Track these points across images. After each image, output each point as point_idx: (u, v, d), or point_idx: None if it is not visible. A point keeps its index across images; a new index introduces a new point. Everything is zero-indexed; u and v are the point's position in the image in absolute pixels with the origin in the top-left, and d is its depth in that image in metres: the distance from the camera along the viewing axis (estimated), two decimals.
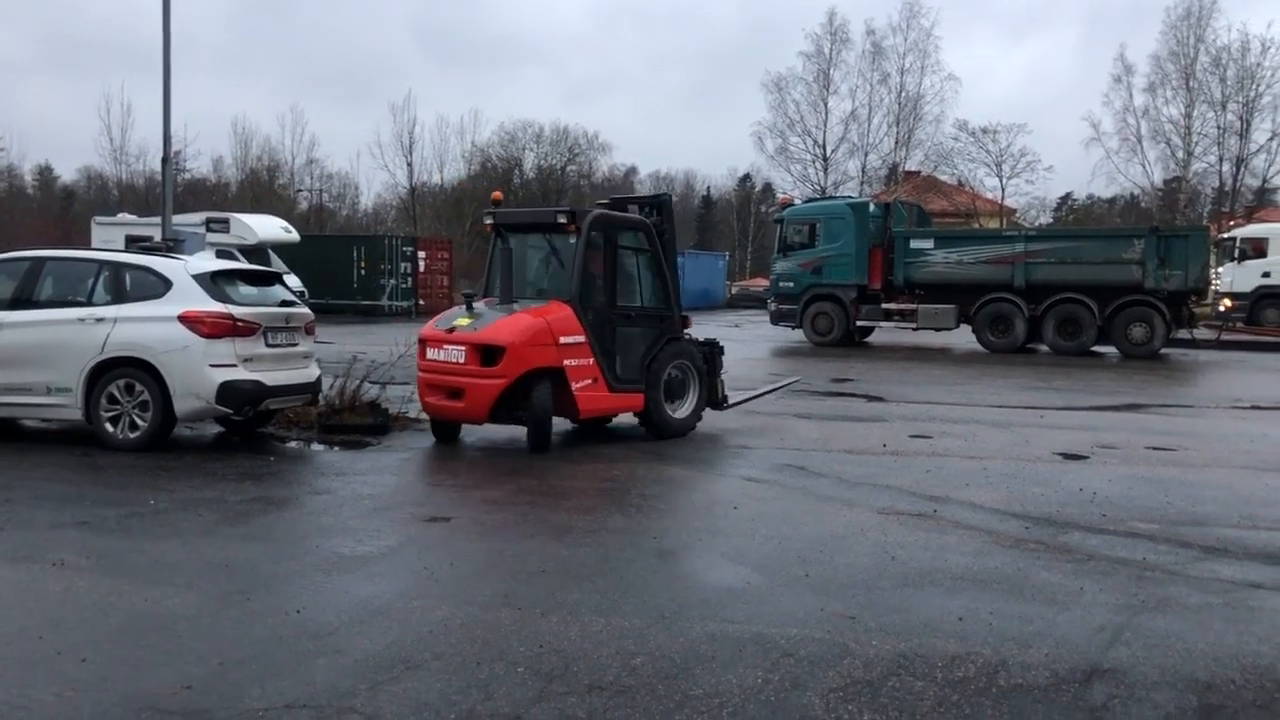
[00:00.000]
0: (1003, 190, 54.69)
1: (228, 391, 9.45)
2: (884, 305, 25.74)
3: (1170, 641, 4.87)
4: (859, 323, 26.10)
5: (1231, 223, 42.21)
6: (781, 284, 27.04)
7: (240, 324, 9.61)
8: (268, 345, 9.91)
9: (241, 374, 9.57)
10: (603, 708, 4.05)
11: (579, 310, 10.24)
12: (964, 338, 25.66)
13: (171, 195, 16.34)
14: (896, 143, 52.94)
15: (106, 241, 28.50)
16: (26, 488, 8.13)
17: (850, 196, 37.23)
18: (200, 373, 9.40)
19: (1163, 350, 23.36)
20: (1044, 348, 24.18)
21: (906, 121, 52.67)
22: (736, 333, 28.77)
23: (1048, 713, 4.08)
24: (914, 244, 25.45)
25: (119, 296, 9.79)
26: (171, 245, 12.28)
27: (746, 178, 74.89)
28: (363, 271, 37.96)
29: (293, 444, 10.49)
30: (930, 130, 52.84)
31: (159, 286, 9.71)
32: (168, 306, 9.54)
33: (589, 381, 10.27)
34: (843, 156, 53.77)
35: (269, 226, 33.20)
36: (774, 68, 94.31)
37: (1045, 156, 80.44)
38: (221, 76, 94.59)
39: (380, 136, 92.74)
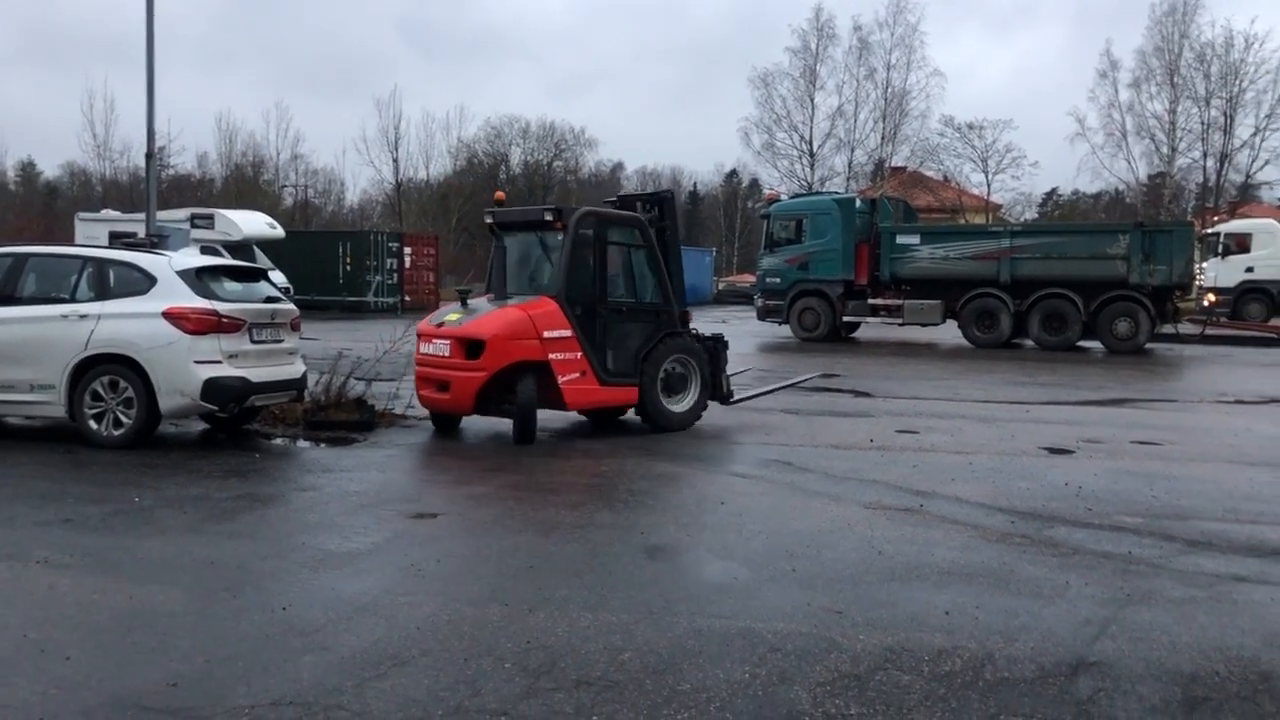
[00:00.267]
0: (988, 186, 54.87)
1: (213, 388, 9.41)
2: (870, 301, 25.80)
3: (1155, 634, 4.90)
4: (845, 318, 26.16)
5: (1215, 218, 42.42)
6: (768, 280, 27.07)
7: (225, 320, 9.56)
8: (253, 342, 9.87)
9: (227, 370, 9.53)
10: (590, 703, 4.05)
11: (565, 305, 10.40)
12: (950, 333, 25.74)
13: (155, 191, 16.25)
14: (883, 138, 53.08)
15: (90, 238, 28.31)
16: (9, 485, 8.09)
17: (837, 192, 37.23)
18: (185, 369, 9.36)
19: (1147, 345, 23.47)
20: (1029, 343, 24.27)
21: (892, 117, 52.82)
22: (723, 328, 28.58)
23: (1034, 706, 4.10)
24: (900, 239, 25.50)
25: (103, 293, 9.73)
26: (155, 241, 12.21)
27: (733, 173, 74.93)
28: (348, 267, 37.83)
29: (278, 441, 10.46)
30: (916, 126, 53.02)
31: (143, 283, 9.66)
32: (152, 303, 9.49)
33: (576, 375, 10.41)
34: (829, 152, 53.91)
35: (254, 222, 33.05)
36: (760, 63, 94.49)
37: (1031, 152, 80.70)
38: (206, 72, 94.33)
39: (366, 132, 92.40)
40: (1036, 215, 60.82)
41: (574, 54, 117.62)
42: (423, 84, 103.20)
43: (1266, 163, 48.16)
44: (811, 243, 26.14)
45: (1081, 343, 23.82)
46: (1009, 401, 14.09)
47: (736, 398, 11.94)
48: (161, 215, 21.09)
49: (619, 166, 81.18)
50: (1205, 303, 30.88)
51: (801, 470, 8.97)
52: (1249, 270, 31.99)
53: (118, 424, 9.51)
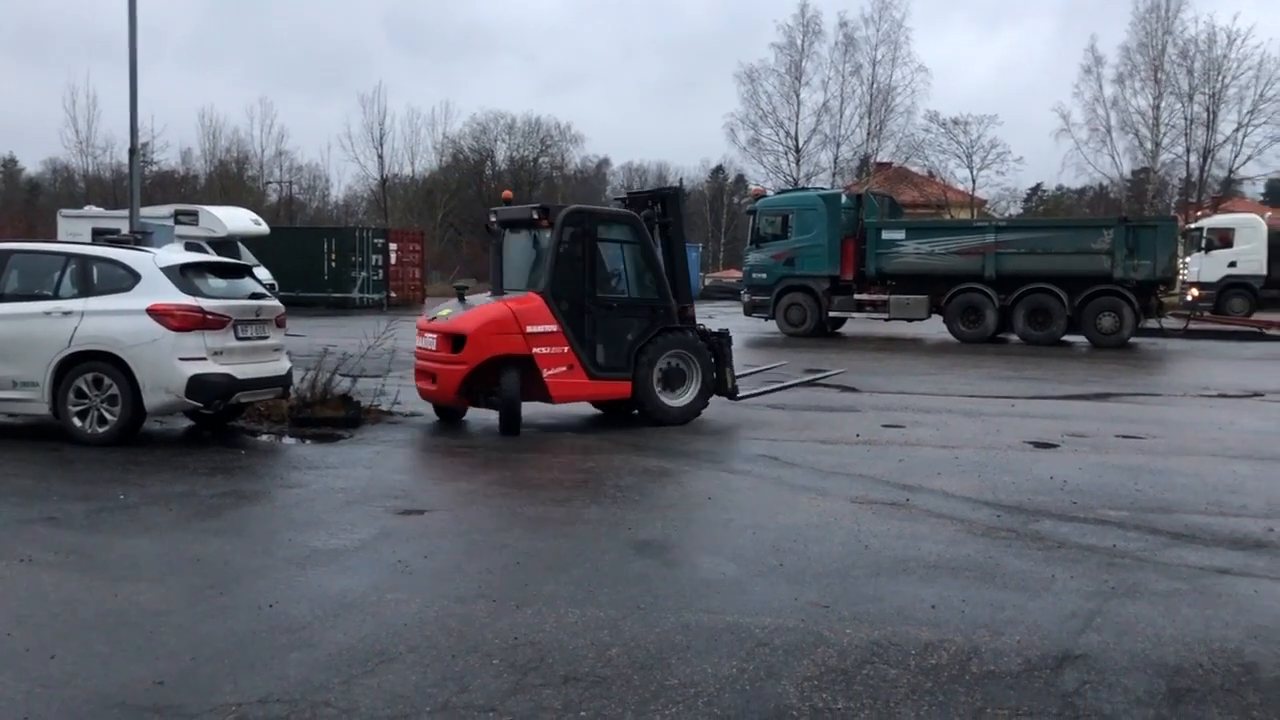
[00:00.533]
0: (973, 181, 55.03)
1: (198, 385, 9.37)
2: (856, 296, 25.83)
3: (1140, 627, 4.93)
4: (831, 314, 26.19)
5: (1199, 213, 42.67)
6: (754, 275, 27.09)
7: (210, 317, 9.52)
8: (238, 338, 9.82)
9: (211, 367, 9.48)
10: (578, 699, 4.05)
11: (550, 301, 10.61)
12: (935, 328, 25.80)
13: (139, 187, 16.18)
14: (868, 134, 53.15)
15: (73, 234, 28.14)
16: None
17: (822, 188, 37.33)
18: (169, 366, 9.31)
19: (1131, 339, 23.57)
20: (1014, 337, 24.34)
21: (878, 113, 52.89)
22: (710, 324, 28.73)
23: (1020, 699, 4.12)
24: (886, 235, 25.54)
25: (86, 290, 9.67)
26: (139, 238, 12.16)
27: (719, 169, 74.86)
28: (333, 264, 37.68)
29: (264, 438, 10.42)
30: (901, 122, 53.11)
31: (127, 279, 9.60)
32: (136, 299, 9.44)
33: (563, 369, 10.57)
34: (815, 148, 53.95)
35: (238, 219, 32.90)
36: (746, 59, 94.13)
37: (1015, 148, 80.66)
38: (189, 67, 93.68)
39: (350, 128, 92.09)
40: (1021, 210, 60.93)
41: (561, 49, 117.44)
42: (408, 80, 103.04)
43: (1249, 158, 48.57)
44: (797, 238, 26.17)
45: (1066, 337, 23.90)
46: (994, 396, 14.14)
47: (743, 393, 11.99)
48: (145, 212, 21.00)
49: (605, 162, 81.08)
50: (1189, 297, 31.05)
51: (788, 465, 8.99)
52: (1232, 265, 32.20)
53: (102, 421, 9.46)
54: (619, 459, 9.23)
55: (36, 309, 9.63)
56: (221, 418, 10.64)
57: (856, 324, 27.86)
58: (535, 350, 10.47)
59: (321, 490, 7.86)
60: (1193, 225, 34.95)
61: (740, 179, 68.04)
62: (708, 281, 54.86)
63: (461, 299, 11.08)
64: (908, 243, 25.37)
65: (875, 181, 47.69)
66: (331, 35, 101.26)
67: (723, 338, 11.73)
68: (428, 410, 11.62)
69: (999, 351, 22.15)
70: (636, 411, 11.22)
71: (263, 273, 26.00)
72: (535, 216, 10.93)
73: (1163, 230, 24.13)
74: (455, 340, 10.50)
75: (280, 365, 10.44)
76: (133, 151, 15.70)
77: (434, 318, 11.05)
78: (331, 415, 10.74)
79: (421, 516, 7.07)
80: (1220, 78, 47.55)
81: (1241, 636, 4.83)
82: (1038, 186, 67.59)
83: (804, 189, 37.12)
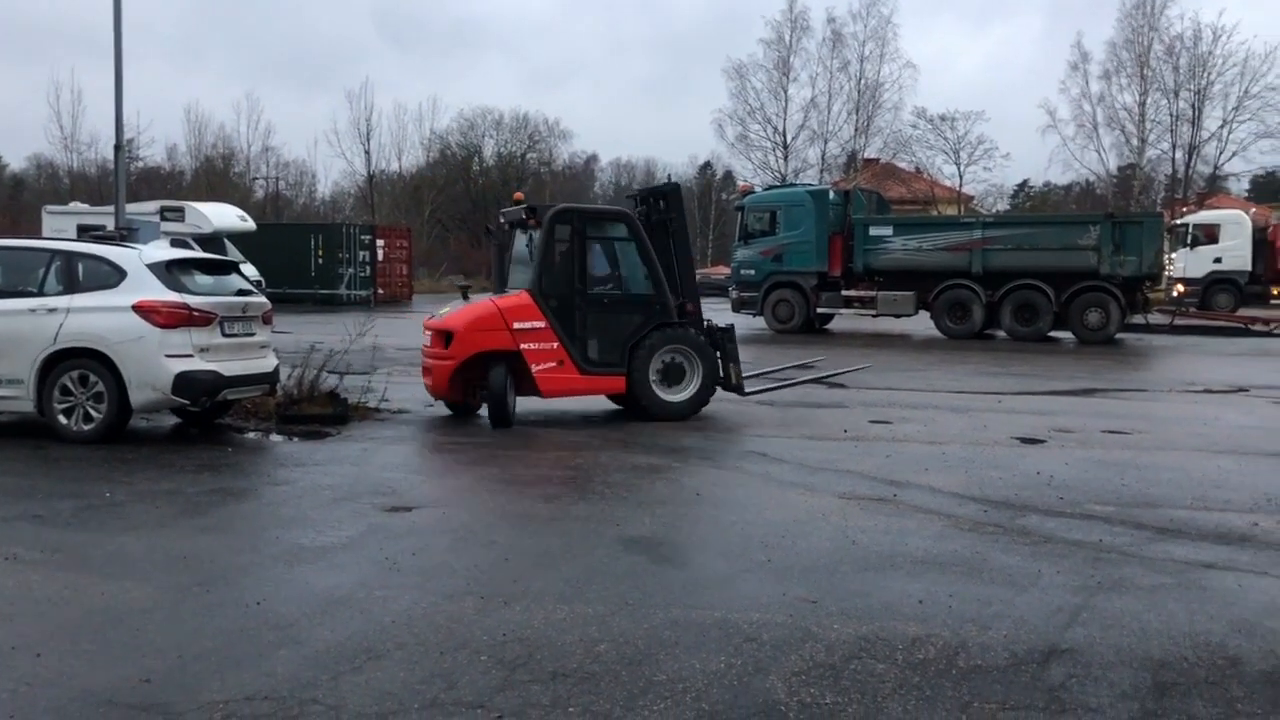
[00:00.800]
0: (960, 177, 55.16)
1: (184, 382, 9.33)
2: (844, 292, 25.86)
3: (1125, 621, 4.96)
4: (819, 310, 26.22)
5: (1184, 209, 42.82)
6: (742, 271, 27.09)
7: (196, 314, 9.48)
8: (224, 335, 9.79)
9: (198, 364, 9.45)
10: (567, 695, 4.05)
11: (538, 297, 10.82)
12: (923, 324, 25.87)
13: (124, 183, 16.11)
14: (856, 130, 53.08)
15: (58, 231, 28.07)
16: None
17: (810, 184, 37.33)
18: (156, 363, 9.27)
19: (1118, 335, 23.67)
20: (1001, 333, 24.41)
21: (866, 109, 52.84)
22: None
23: (1007, 693, 4.13)
24: (873, 231, 25.58)
25: (71, 286, 9.62)
26: (125, 234, 12.11)
27: (707, 165, 74.79)
28: (320, 260, 37.54)
29: (251, 435, 10.40)
30: (889, 118, 53.06)
31: (113, 276, 9.56)
32: (122, 296, 9.40)
33: (553, 364, 10.80)
34: (803, 144, 53.90)
35: (225, 215, 32.82)
36: (735, 55, 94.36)
37: (1003, 144, 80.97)
38: (174, 63, 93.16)
39: (337, 124, 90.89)
40: (1008, 207, 61.13)
41: (549, 45, 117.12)
42: (396, 75, 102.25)
43: (1234, 154, 48.78)
44: (785, 235, 26.18)
45: (1053, 333, 23.98)
46: (981, 392, 14.19)
47: (751, 390, 12.02)
48: (131, 208, 20.94)
49: (593, 159, 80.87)
50: (1174, 293, 31.19)
51: (776, 461, 9.00)
52: (1217, 261, 32.37)
53: (88, 418, 9.41)
54: (607, 456, 9.23)
55: (21, 305, 9.57)
56: (208, 415, 10.60)
57: (844, 320, 27.92)
58: (523, 346, 10.70)
59: (309, 487, 7.84)
60: (1178, 221, 35.08)
61: (728, 175, 68.05)
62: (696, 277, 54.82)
63: (465, 298, 11.46)
64: (895, 239, 25.42)
65: (863, 178, 47.76)
66: (319, 30, 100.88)
67: (726, 333, 11.72)
68: (416, 407, 11.64)
69: (986, 347, 22.23)
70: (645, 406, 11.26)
71: (249, 269, 25.85)
72: (524, 217, 11.22)
73: (1149, 226, 24.23)
74: (446, 336, 10.83)
75: (267, 362, 10.41)
76: (118, 147, 15.63)
77: (435, 316, 11.39)
78: (319, 412, 10.73)
79: (409, 513, 7.06)
80: (1206, 74, 47.79)
81: (1226, 630, 4.86)
82: (1025, 183, 67.85)
83: (792, 185, 37.14)
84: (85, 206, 34.60)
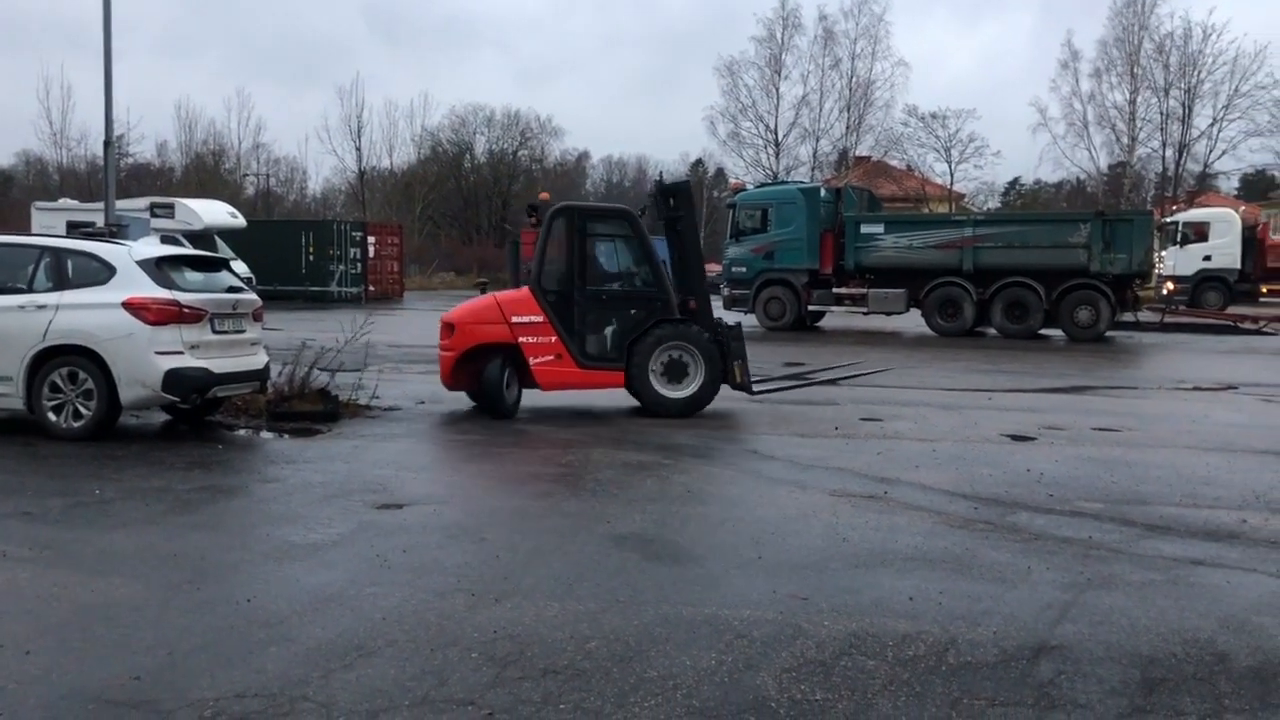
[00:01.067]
0: (951, 175, 55.37)
1: (174, 379, 9.30)
2: (835, 290, 25.88)
3: (1115, 618, 4.97)
4: (811, 307, 26.23)
5: (1174, 207, 43.02)
6: (734, 269, 27.10)
7: (186, 310, 9.46)
8: (215, 332, 9.76)
9: (188, 361, 9.42)
10: (557, 691, 4.05)
11: (537, 292, 11.05)
12: (914, 321, 25.91)
13: (114, 180, 16.03)
14: (847, 128, 53.23)
15: (47, 227, 27.92)
16: None
17: (802, 182, 37.38)
18: (146, 360, 9.25)
19: (1108, 333, 23.73)
20: (992, 331, 24.46)
21: (857, 107, 52.97)
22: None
23: (996, 689, 4.15)
24: (864, 229, 25.60)
25: (61, 283, 9.58)
26: (115, 231, 12.06)
27: (699, 163, 74.76)
28: (311, 257, 37.46)
29: (241, 432, 10.37)
30: (880, 116, 53.24)
31: (102, 273, 9.52)
32: (111, 293, 9.37)
33: (550, 358, 11.04)
34: (794, 142, 54.02)
35: (215, 212, 32.71)
36: (727, 52, 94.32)
37: (994, 142, 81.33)
38: (165, 58, 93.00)
39: (328, 120, 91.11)
40: (999, 205, 61.31)
41: (541, 42, 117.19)
42: (388, 72, 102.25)
43: (1224, 153, 49.01)
44: (777, 232, 26.19)
45: (1043, 331, 24.04)
46: (972, 389, 14.21)
47: (760, 389, 12.01)
48: (120, 204, 20.82)
49: (585, 155, 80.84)
50: (1164, 291, 31.27)
51: (767, 458, 9.01)
52: (1207, 259, 32.49)
53: (77, 415, 9.38)
54: (597, 453, 9.23)
55: (10, 302, 9.53)
56: (198, 412, 10.57)
57: (835, 318, 27.95)
58: (521, 339, 10.97)
59: (299, 484, 7.82)
60: (1168, 219, 35.18)
61: (720, 172, 68.04)
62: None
63: (483, 292, 11.92)
64: (886, 237, 25.44)
65: (854, 175, 47.80)
66: (310, 26, 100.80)
67: (732, 331, 11.68)
68: (407, 404, 11.65)
69: (976, 345, 22.27)
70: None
71: (240, 266, 25.83)
72: (528, 215, 11.54)
73: (1139, 224, 24.28)
74: (450, 329, 11.26)
75: (257, 359, 10.38)
76: (108, 144, 15.55)
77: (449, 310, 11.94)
78: (309, 409, 10.70)
79: (400, 510, 7.05)
80: (1196, 73, 48.00)
81: (1214, 627, 4.88)
82: (1015, 180, 68.02)
83: (783, 183, 37.16)
84: (75, 203, 34.44)
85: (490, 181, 67.42)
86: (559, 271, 11.25)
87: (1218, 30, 48.56)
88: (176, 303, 9.40)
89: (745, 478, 8.29)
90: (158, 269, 9.63)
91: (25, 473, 8.20)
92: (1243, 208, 44.57)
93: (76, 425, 9.37)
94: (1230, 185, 58.04)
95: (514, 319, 11.00)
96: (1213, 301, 31.64)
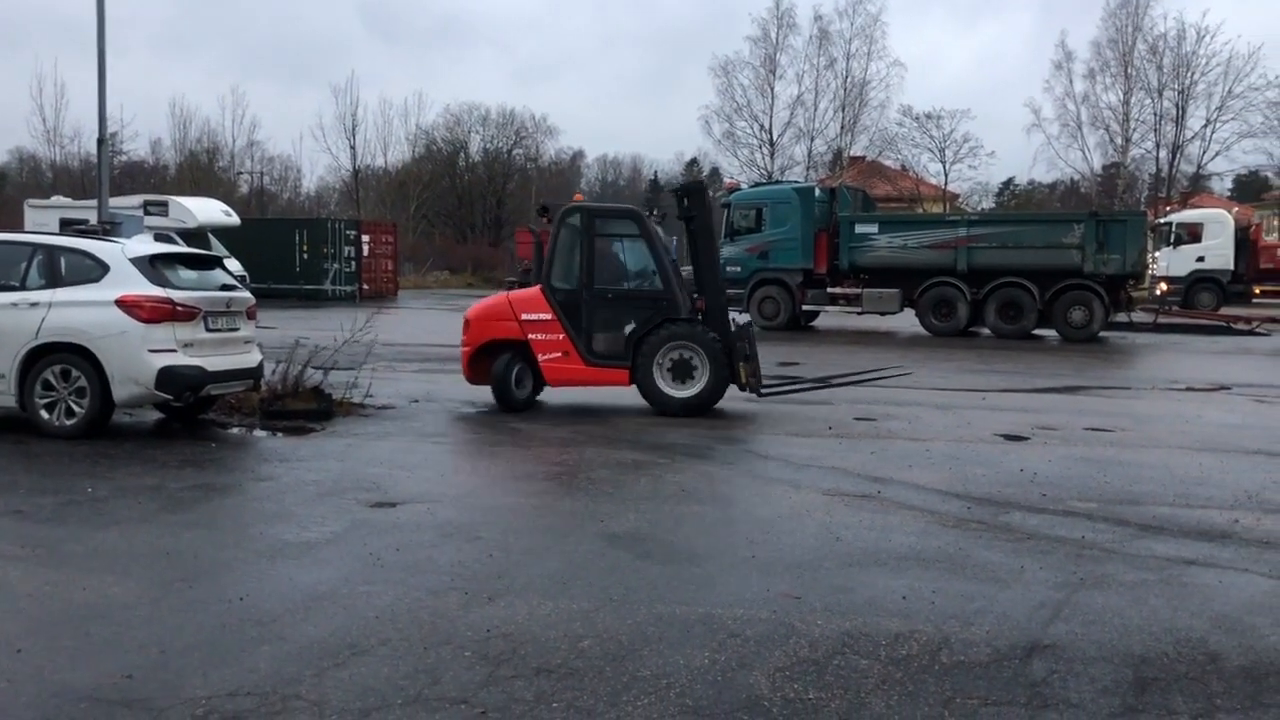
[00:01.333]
0: (946, 175, 55.36)
1: (167, 377, 9.29)
2: (829, 290, 25.88)
3: (1107, 617, 4.98)
4: (805, 307, 26.22)
5: (1168, 208, 43.05)
6: (728, 269, 26.84)
7: (180, 308, 9.44)
8: (208, 330, 9.75)
9: (181, 359, 9.40)
10: (551, 690, 4.05)
11: (547, 291, 11.41)
12: (908, 321, 25.93)
13: (108, 177, 16.02)
14: (842, 128, 53.17)
15: (40, 225, 27.81)
16: None
17: (796, 181, 37.36)
18: (139, 358, 9.23)
19: (1101, 333, 23.77)
20: (986, 331, 24.49)
21: (852, 107, 52.92)
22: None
23: (989, 688, 4.15)
24: (859, 229, 25.61)
25: (54, 280, 9.56)
26: (108, 228, 12.03)
27: (693, 162, 74.70)
28: (305, 256, 37.39)
29: (235, 430, 10.35)
30: (875, 116, 53.17)
31: (96, 270, 9.50)
32: (105, 291, 9.34)
33: (558, 355, 11.31)
34: (789, 141, 53.95)
35: (209, 210, 32.65)
36: (722, 52, 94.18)
37: (988, 142, 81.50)
38: (159, 56, 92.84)
39: (323, 119, 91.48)
40: (993, 205, 61.39)
41: (537, 41, 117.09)
42: (383, 70, 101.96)
43: (1217, 154, 49.07)
44: (771, 232, 26.20)
45: (1037, 331, 24.06)
46: (965, 389, 14.23)
47: (769, 391, 12.02)
48: (114, 202, 20.82)
49: (580, 154, 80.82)
50: (1158, 292, 31.36)
51: (761, 458, 9.02)
52: (1200, 260, 32.56)
53: (70, 413, 9.36)
54: (591, 452, 9.23)
55: (3, 300, 9.50)
56: (191, 410, 10.55)
57: (829, 317, 27.96)
58: (530, 336, 11.32)
59: (292, 483, 7.81)
60: (1162, 220, 35.26)
61: (715, 172, 67.93)
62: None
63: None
64: (881, 236, 25.46)
65: (849, 175, 47.87)
66: (305, 24, 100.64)
67: (741, 331, 11.60)
68: (401, 403, 11.65)
69: (970, 345, 22.29)
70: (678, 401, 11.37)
71: (233, 264, 25.80)
72: (539, 214, 11.88)
73: (1132, 225, 24.33)
74: (467, 325, 11.72)
75: (251, 357, 10.37)
76: (101, 141, 15.53)
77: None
78: (303, 408, 10.68)
79: (393, 509, 7.04)
80: (1189, 74, 48.05)
81: (1206, 626, 4.89)
82: (1010, 181, 68.09)
83: (778, 182, 37.17)
84: (68, 200, 34.35)
85: (485, 180, 67.29)
86: (568, 270, 11.48)
87: (1211, 32, 48.55)
88: (170, 300, 9.38)
89: (739, 477, 8.29)
90: (151, 267, 9.61)
91: (17, 470, 8.18)
92: (1236, 209, 44.72)
93: (69, 423, 9.35)
94: (1224, 186, 58.27)
95: (524, 316, 11.34)
96: (1206, 302, 31.70)
